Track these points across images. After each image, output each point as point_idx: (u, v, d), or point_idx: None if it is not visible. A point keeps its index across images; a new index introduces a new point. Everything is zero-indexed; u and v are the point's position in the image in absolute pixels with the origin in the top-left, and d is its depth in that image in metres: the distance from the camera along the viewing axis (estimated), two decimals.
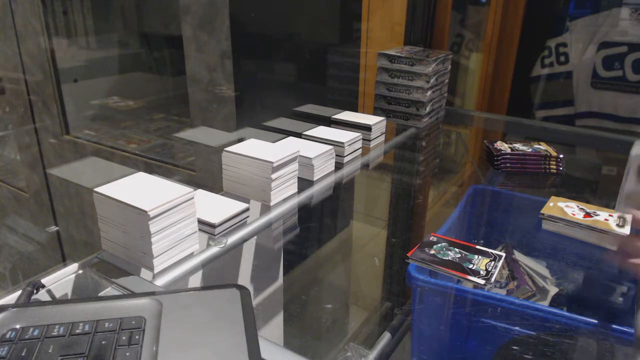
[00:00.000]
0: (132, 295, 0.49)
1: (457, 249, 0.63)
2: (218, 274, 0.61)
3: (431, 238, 0.65)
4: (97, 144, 1.54)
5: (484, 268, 0.59)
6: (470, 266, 0.59)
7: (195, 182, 1.26)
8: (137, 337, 0.38)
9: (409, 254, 0.61)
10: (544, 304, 0.67)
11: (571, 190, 0.89)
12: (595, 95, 1.48)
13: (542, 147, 0.95)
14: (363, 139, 0.95)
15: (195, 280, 0.57)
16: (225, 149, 0.72)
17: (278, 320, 0.74)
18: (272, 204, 0.71)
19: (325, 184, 0.81)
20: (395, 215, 0.95)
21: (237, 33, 1.05)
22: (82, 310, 0.41)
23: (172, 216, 0.54)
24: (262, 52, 1.17)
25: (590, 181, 1.07)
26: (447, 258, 0.61)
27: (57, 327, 0.39)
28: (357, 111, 1.08)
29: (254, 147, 0.73)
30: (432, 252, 0.62)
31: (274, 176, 0.70)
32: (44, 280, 0.52)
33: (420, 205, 0.94)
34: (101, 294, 0.52)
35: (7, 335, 0.38)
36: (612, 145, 1.13)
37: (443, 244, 0.64)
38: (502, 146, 0.95)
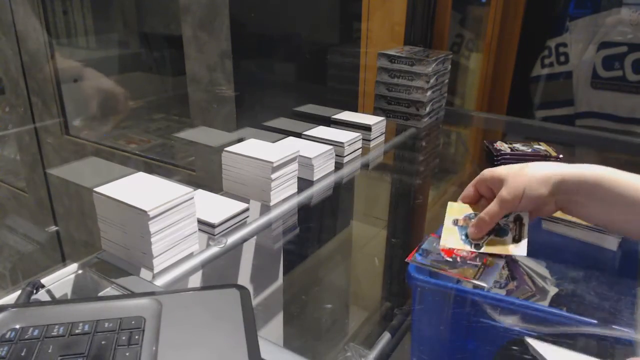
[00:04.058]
0: (132, 295, 0.49)
1: None
2: (218, 274, 0.61)
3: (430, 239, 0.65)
4: (97, 144, 1.54)
5: None
6: None
7: (195, 182, 1.26)
8: (136, 337, 0.38)
9: (408, 258, 0.60)
10: (544, 304, 0.67)
11: None
12: (595, 95, 1.48)
13: (542, 147, 0.95)
14: (363, 139, 0.95)
15: (195, 280, 0.57)
16: (225, 149, 0.72)
17: (278, 320, 0.74)
18: (272, 204, 0.71)
19: (325, 184, 0.81)
20: (395, 215, 0.95)
21: (237, 33, 1.05)
22: (82, 310, 0.41)
23: (172, 216, 0.54)
24: (262, 52, 1.17)
25: None
26: None
27: (56, 327, 0.39)
28: (357, 111, 1.08)
29: (254, 147, 0.73)
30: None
31: (273, 176, 0.70)
32: (43, 280, 0.52)
33: (420, 205, 0.94)
34: (101, 294, 0.52)
35: (7, 335, 0.38)
36: (612, 145, 1.13)
37: None
38: (502, 146, 0.95)
